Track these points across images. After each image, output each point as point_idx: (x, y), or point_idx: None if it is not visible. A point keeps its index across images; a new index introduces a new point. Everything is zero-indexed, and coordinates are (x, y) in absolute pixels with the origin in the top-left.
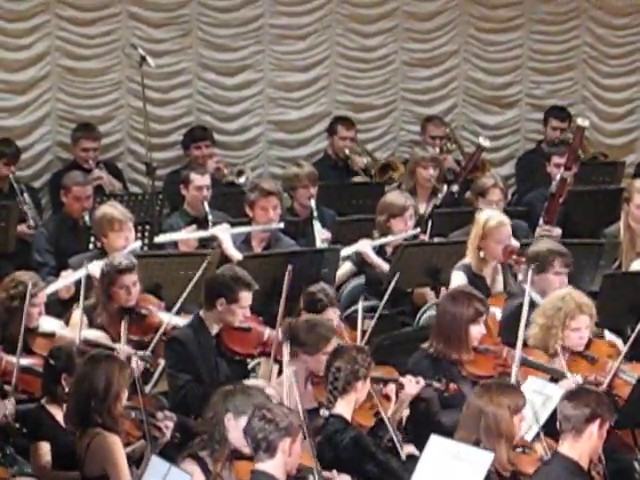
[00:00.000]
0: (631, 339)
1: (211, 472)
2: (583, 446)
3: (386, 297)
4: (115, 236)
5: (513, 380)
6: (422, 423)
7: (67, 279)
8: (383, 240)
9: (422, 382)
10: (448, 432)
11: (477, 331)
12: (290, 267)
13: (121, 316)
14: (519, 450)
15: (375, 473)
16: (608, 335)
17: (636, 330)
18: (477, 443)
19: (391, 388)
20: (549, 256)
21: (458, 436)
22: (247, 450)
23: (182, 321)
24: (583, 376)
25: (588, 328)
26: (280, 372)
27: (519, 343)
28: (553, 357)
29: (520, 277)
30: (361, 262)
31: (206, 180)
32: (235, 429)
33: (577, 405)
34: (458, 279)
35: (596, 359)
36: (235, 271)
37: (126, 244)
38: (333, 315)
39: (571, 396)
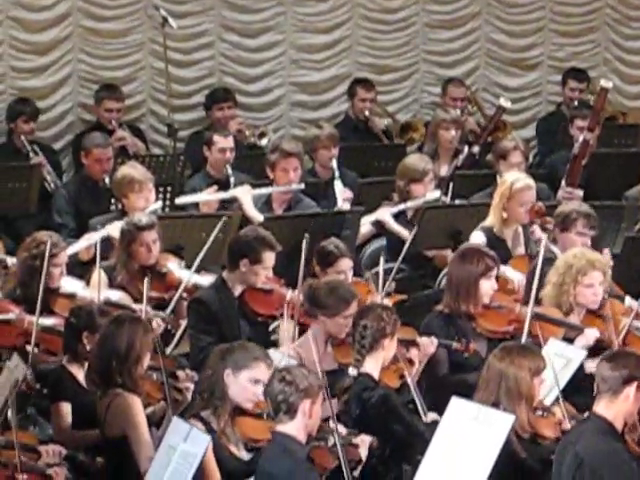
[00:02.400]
0: None
1: (215, 431)
2: (618, 408)
3: (401, 257)
4: (135, 197)
5: (524, 336)
6: (435, 384)
7: (89, 240)
8: (402, 206)
9: (435, 341)
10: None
11: (488, 286)
12: (307, 235)
13: (141, 275)
14: (538, 413)
15: (401, 433)
16: (629, 301)
17: None
18: (496, 405)
19: (415, 353)
20: (573, 215)
21: (477, 397)
22: (249, 405)
23: (202, 279)
24: (599, 330)
25: (602, 285)
26: (300, 333)
27: (532, 297)
28: (567, 315)
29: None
30: (381, 227)
31: (229, 142)
32: (235, 384)
33: (615, 367)
34: (476, 239)
35: (610, 317)
36: (258, 232)
37: (146, 205)
38: (346, 266)
39: (610, 357)
